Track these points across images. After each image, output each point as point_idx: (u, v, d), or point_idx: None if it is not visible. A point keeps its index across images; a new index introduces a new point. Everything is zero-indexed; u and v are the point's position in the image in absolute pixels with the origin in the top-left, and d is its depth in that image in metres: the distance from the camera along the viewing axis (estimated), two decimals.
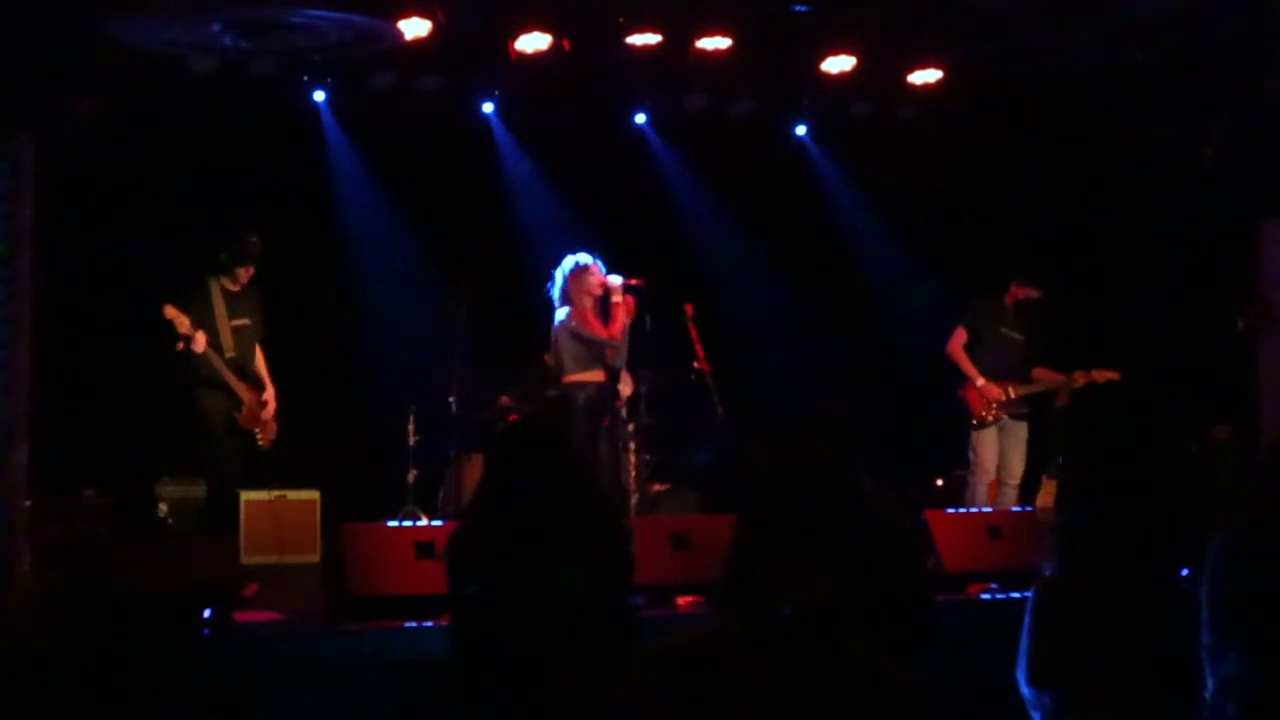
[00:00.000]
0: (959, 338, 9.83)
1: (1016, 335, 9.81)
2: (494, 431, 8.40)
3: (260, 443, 8.69)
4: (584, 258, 8.95)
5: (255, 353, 8.76)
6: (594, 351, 8.86)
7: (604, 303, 9.01)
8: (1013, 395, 9.72)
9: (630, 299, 8.93)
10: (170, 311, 8.33)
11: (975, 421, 9.69)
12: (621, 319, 8.91)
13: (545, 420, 7.76)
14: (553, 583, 4.44)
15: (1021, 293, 9.81)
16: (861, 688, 2.45)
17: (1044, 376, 9.84)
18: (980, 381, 9.68)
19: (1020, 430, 9.78)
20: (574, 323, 8.82)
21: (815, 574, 2.56)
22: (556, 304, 8.96)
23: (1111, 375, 9.84)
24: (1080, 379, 9.83)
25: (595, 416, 8.89)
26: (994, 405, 9.67)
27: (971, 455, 9.75)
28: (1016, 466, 9.75)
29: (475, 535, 4.62)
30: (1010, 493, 9.71)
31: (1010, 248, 10.99)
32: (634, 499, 9.61)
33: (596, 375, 8.88)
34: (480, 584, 4.53)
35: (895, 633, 4.13)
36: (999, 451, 9.74)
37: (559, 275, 8.97)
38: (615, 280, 8.90)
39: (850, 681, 2.45)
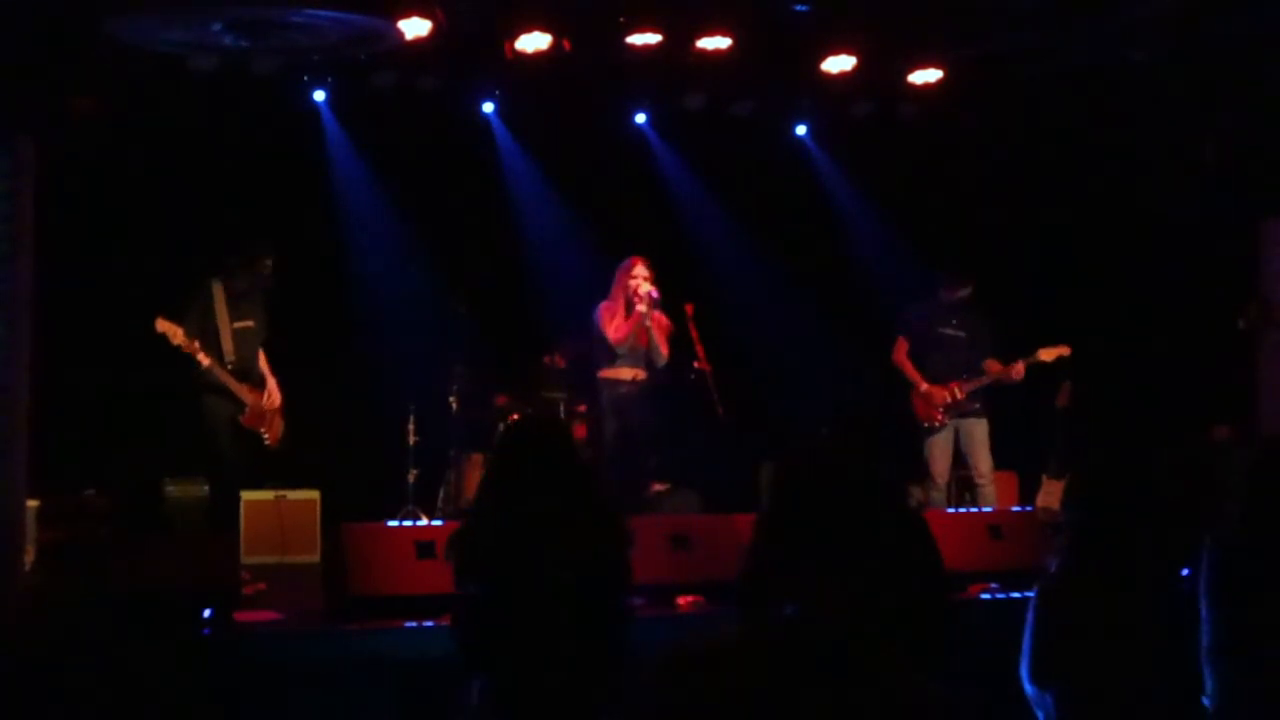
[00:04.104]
0: (900, 347, 9.84)
1: (959, 333, 9.78)
2: (498, 430, 8.35)
3: (267, 441, 8.70)
4: (637, 259, 9.02)
5: (259, 354, 8.74)
6: (609, 347, 8.90)
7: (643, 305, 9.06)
8: (959, 395, 9.67)
9: (659, 316, 8.96)
10: (162, 325, 8.27)
11: (925, 428, 9.67)
12: (640, 327, 8.91)
13: (550, 419, 7.73)
14: (547, 584, 4.44)
15: (951, 292, 9.80)
16: (884, 700, 2.41)
17: (994, 369, 9.78)
18: (924, 387, 9.67)
19: (978, 428, 9.70)
20: (597, 315, 8.91)
21: (836, 580, 2.54)
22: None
23: (1061, 350, 9.73)
24: (1021, 366, 9.71)
25: (621, 415, 8.89)
26: (939, 410, 9.64)
27: (925, 463, 9.71)
28: (984, 464, 9.70)
29: (477, 534, 4.62)
30: (987, 490, 9.66)
31: (1009, 247, 10.98)
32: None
33: (623, 373, 8.88)
34: (480, 583, 4.54)
35: (916, 637, 4.13)
36: (953, 455, 9.71)
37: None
38: (644, 288, 8.94)
39: (872, 694, 2.41)
